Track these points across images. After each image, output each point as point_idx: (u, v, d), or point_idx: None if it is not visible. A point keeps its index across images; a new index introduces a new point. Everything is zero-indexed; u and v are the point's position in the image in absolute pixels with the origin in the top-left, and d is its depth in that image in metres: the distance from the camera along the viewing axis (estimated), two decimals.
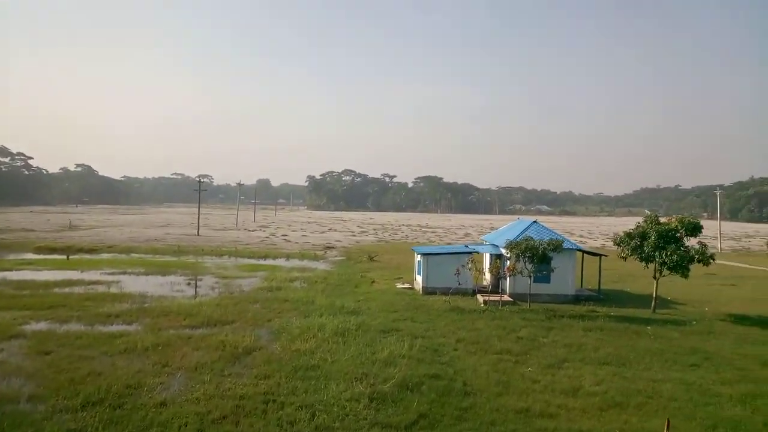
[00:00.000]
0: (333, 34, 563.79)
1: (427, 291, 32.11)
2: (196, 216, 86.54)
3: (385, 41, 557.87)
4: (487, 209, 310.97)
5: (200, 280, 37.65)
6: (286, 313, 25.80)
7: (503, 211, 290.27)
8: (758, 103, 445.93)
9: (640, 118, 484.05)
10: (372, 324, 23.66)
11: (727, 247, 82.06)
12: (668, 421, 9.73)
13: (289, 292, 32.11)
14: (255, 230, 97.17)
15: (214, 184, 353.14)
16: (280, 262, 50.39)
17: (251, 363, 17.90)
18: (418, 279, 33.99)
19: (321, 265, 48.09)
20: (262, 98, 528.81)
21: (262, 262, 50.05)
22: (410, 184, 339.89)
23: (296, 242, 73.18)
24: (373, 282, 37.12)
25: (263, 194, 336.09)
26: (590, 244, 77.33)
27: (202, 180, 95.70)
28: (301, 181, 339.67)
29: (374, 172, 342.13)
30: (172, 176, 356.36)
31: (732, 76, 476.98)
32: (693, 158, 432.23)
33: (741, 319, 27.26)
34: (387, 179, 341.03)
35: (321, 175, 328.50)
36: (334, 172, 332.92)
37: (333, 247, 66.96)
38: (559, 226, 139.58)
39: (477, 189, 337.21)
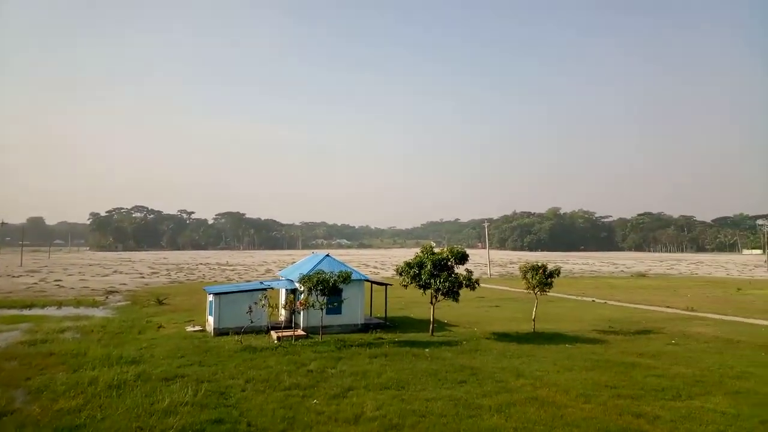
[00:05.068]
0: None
1: (220, 332, 30.99)
2: None
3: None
4: (291, 245, 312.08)
5: None
6: (51, 369, 22.74)
7: (307, 246, 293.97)
8: (519, 145, 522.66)
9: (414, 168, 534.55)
10: (154, 372, 22.02)
11: (495, 273, 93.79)
12: None
13: (57, 344, 28.35)
14: (20, 276, 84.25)
15: None
16: (50, 311, 44.23)
17: None
18: (210, 320, 32.66)
19: (100, 312, 43.34)
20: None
21: (26, 312, 43.35)
22: (210, 221, 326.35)
23: (72, 288, 65.09)
24: (160, 327, 34.61)
25: (35, 234, 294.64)
26: (383, 274, 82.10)
27: None
28: (83, 218, 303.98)
29: (170, 209, 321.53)
30: None
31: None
32: (469, 195, 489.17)
33: (502, 337, 31.20)
34: (184, 216, 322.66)
35: (107, 212, 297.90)
36: (123, 208, 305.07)
37: (116, 292, 60.94)
38: (356, 258, 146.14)
39: (281, 225, 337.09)
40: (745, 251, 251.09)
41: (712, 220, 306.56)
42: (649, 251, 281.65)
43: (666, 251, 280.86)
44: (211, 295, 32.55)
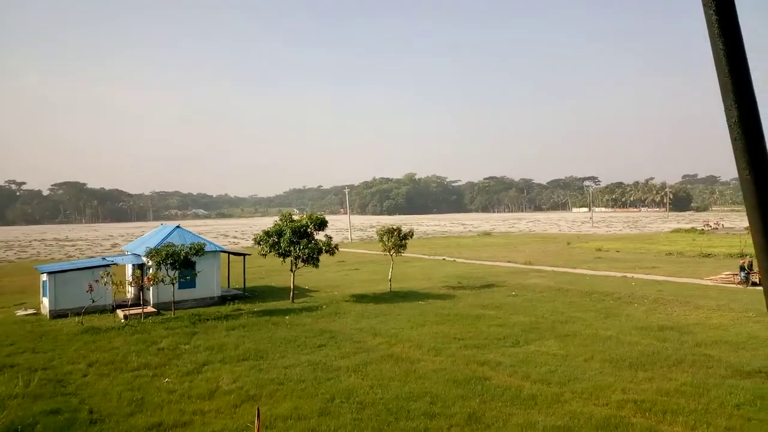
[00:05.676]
0: None
1: (57, 314, 28.20)
2: None
3: None
4: (141, 216, 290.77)
5: None
6: None
7: (159, 218, 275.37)
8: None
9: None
10: None
11: (356, 237, 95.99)
12: (258, 411, 10.84)
13: None
14: None
15: None
16: None
17: None
18: (45, 302, 29.59)
19: None
20: None
21: None
22: (45, 192, 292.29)
23: None
24: None
25: None
26: (243, 244, 79.98)
27: None
28: None
29: None
30: None
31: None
32: (329, 162, 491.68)
33: (360, 298, 32.06)
34: (13, 186, 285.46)
35: None
36: None
37: None
38: (214, 229, 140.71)
39: (128, 195, 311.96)
40: (574, 209, 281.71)
41: (547, 182, 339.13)
42: (494, 212, 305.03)
43: (509, 211, 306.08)
44: (45, 274, 29.42)
